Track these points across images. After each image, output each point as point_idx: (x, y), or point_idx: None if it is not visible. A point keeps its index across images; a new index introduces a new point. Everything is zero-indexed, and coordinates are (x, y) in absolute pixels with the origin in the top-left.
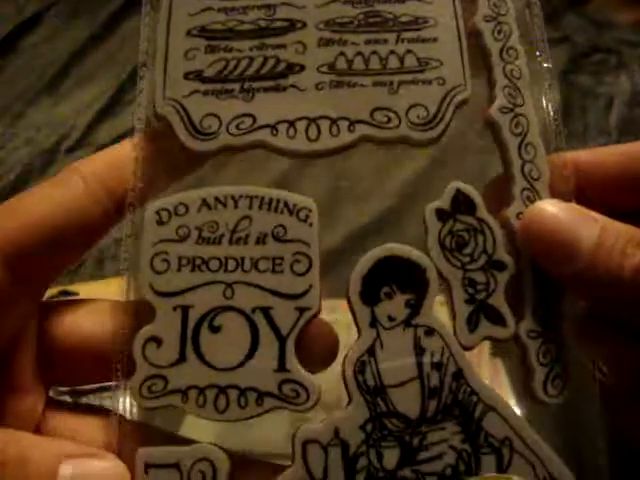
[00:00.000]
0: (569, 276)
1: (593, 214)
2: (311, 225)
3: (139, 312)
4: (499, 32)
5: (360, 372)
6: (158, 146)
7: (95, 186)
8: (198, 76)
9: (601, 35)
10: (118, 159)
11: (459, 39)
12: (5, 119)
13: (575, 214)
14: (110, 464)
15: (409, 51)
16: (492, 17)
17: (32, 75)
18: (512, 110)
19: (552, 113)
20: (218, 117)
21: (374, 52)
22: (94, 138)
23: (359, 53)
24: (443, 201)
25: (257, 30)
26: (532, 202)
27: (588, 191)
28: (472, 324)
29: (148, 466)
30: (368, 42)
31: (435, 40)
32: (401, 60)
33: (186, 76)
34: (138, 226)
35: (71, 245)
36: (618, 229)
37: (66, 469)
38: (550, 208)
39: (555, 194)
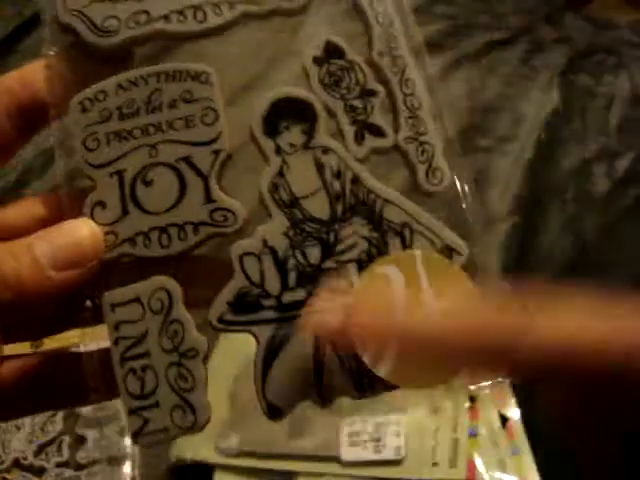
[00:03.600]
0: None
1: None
2: (212, 85)
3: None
4: None
5: (275, 191)
6: (69, 60)
7: (9, 104)
8: None
9: (601, 35)
10: (30, 78)
11: None
12: None
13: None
14: (74, 220)
15: None
16: None
17: None
18: None
19: None
20: (117, 17)
21: None
22: None
23: None
24: (317, 50)
25: None
26: (388, 42)
27: None
28: (359, 139)
29: (113, 306)
30: None
31: None
32: None
33: None
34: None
35: None
36: None
37: (41, 246)
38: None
39: None
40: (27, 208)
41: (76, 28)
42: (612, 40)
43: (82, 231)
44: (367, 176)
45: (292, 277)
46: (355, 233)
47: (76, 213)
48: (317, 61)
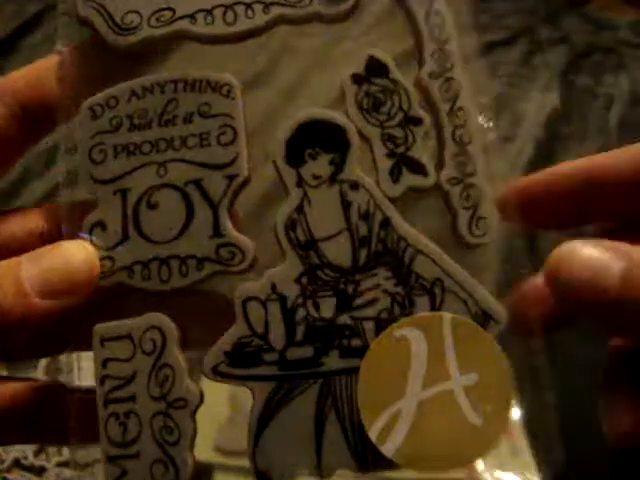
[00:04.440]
0: (599, 311)
1: (620, 245)
2: (234, 99)
3: None
4: None
5: (291, 229)
6: (84, 57)
7: (14, 105)
8: None
9: (600, 35)
10: (37, 77)
11: None
12: None
13: (603, 248)
14: (71, 242)
15: None
16: None
17: None
18: None
19: None
20: (138, 13)
21: None
22: None
23: None
24: (357, 66)
25: None
26: (442, 62)
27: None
28: (394, 176)
29: (103, 340)
30: None
31: None
32: None
33: None
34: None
35: None
36: None
37: (28, 270)
38: (580, 247)
39: None
40: (27, 220)
41: (94, 23)
42: (612, 40)
43: (77, 256)
44: (399, 220)
45: (300, 331)
46: (378, 286)
47: (75, 229)
48: (356, 79)
